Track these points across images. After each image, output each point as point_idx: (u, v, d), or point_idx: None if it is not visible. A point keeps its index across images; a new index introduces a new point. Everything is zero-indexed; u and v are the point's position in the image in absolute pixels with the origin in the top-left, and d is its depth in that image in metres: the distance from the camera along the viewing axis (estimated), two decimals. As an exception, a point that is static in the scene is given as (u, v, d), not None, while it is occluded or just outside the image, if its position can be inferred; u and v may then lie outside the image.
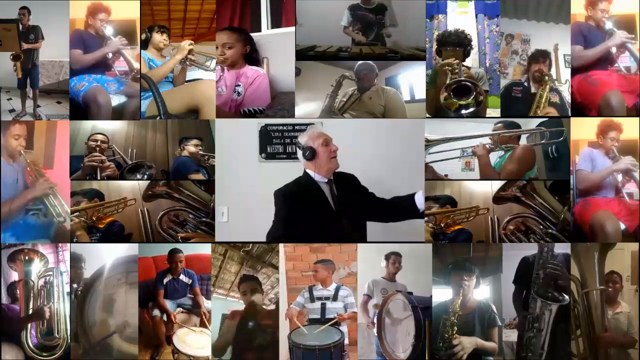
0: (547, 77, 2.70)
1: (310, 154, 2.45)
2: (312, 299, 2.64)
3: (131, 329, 2.68)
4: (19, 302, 2.64)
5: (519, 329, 2.61)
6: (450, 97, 2.61)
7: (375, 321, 2.64)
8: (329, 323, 2.55)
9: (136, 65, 2.75)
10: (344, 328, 2.59)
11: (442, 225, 2.71)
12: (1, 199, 2.67)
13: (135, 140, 2.79)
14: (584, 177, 2.70)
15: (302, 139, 2.48)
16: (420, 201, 2.46)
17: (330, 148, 2.46)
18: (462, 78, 2.60)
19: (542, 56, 2.73)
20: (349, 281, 2.72)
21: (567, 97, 2.71)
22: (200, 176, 2.76)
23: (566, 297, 2.52)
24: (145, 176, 2.74)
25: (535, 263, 2.56)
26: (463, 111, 2.62)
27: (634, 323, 2.66)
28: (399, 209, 2.51)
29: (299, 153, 2.49)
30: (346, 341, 2.56)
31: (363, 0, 2.77)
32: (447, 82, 2.62)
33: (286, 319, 2.66)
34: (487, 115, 2.71)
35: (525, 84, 2.76)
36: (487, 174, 2.69)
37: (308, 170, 2.49)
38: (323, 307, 2.61)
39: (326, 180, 2.48)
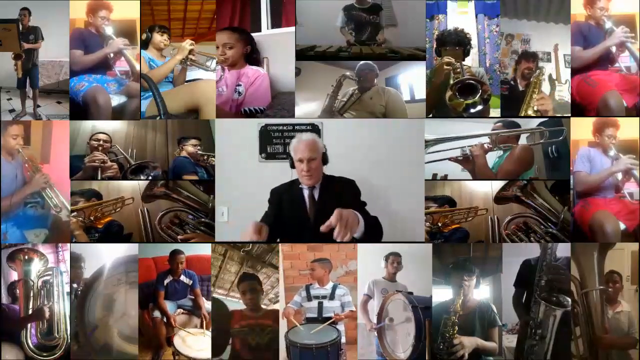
0: (538, 74, 2.68)
1: (291, 163, 2.46)
2: (309, 297, 2.64)
3: (131, 329, 2.68)
4: (18, 302, 2.64)
5: (519, 334, 2.59)
6: (455, 96, 2.59)
7: (377, 327, 2.64)
8: (326, 323, 2.54)
9: (137, 65, 2.75)
10: (341, 327, 2.58)
11: (440, 224, 2.71)
12: (2, 194, 2.68)
13: (135, 140, 2.79)
14: (582, 179, 2.69)
15: (291, 144, 2.45)
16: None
17: (301, 167, 2.38)
18: (466, 76, 2.58)
19: (532, 57, 2.72)
20: (347, 280, 2.71)
21: (567, 97, 2.70)
22: (194, 177, 2.76)
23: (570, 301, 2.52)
24: (150, 177, 2.74)
25: (537, 266, 2.55)
26: (471, 110, 2.62)
27: (635, 322, 2.66)
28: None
29: None
30: (343, 339, 2.55)
31: (357, 0, 2.77)
32: (451, 82, 2.60)
33: (283, 317, 2.66)
34: (487, 115, 2.70)
35: (512, 82, 2.74)
36: (482, 174, 2.69)
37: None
38: (320, 306, 2.60)
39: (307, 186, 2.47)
